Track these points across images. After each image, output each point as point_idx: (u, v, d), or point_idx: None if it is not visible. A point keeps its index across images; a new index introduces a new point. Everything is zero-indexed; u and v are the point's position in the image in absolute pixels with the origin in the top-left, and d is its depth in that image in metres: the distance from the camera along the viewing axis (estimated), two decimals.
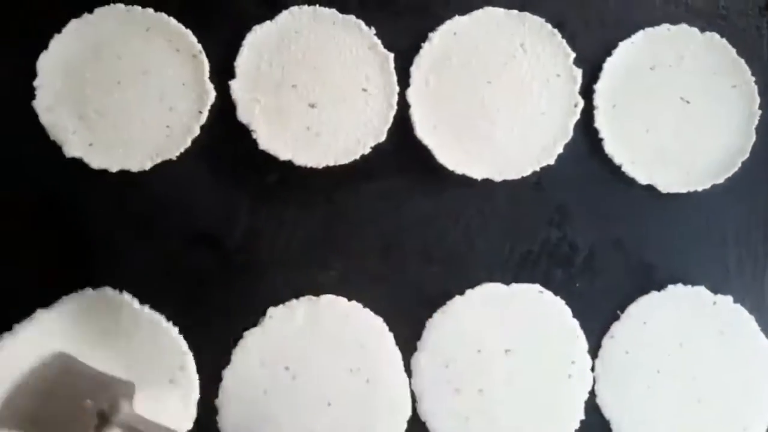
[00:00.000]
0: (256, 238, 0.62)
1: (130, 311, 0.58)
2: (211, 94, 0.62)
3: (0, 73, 0.62)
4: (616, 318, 0.63)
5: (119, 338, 0.57)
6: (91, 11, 0.63)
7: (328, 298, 0.61)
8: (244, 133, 0.63)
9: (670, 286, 0.63)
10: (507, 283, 0.63)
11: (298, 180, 0.63)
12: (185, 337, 0.59)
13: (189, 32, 0.63)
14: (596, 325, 0.63)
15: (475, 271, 0.63)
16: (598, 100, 0.65)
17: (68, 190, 0.62)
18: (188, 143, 0.62)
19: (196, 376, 0.58)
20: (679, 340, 0.62)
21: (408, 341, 0.61)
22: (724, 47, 0.66)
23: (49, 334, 0.56)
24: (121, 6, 0.63)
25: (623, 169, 0.64)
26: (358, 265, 0.63)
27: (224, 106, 0.63)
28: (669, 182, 0.64)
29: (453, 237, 0.64)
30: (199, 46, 0.63)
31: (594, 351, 0.62)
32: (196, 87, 0.62)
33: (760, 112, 0.65)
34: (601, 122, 0.65)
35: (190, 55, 0.63)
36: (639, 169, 0.64)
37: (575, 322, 0.62)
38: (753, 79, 0.66)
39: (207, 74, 0.63)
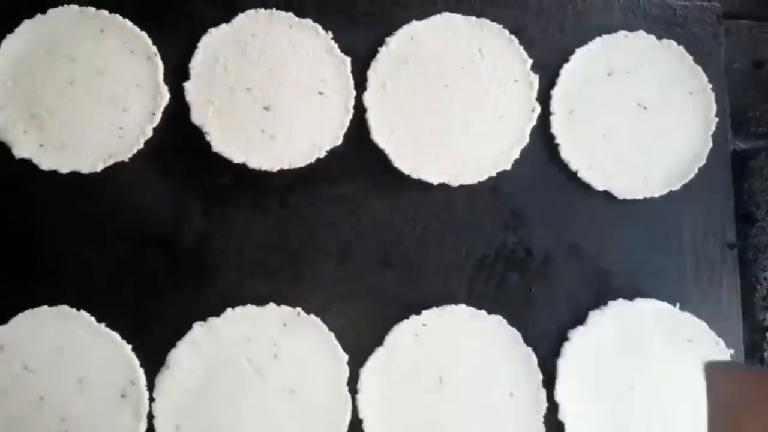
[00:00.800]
0: (209, 240, 0.62)
1: (87, 328, 0.58)
2: (165, 96, 0.62)
3: None
4: (569, 335, 0.62)
5: (74, 353, 0.57)
6: (44, 11, 0.62)
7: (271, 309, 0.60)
8: (197, 135, 0.62)
9: (621, 300, 0.63)
10: (462, 289, 0.62)
11: (252, 183, 0.62)
12: (135, 345, 0.58)
13: (144, 34, 0.63)
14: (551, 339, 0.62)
15: (431, 276, 0.63)
16: (554, 105, 0.65)
17: (17, 192, 0.61)
18: (141, 144, 0.62)
19: (146, 392, 0.57)
20: (637, 351, 0.62)
21: (359, 352, 0.60)
22: (682, 54, 0.67)
23: (4, 350, 0.57)
24: (75, 7, 0.62)
25: (579, 174, 0.64)
26: (312, 269, 0.62)
27: (178, 108, 0.62)
28: (625, 188, 0.64)
29: (409, 241, 0.63)
30: (154, 48, 0.63)
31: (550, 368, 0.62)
32: (150, 89, 0.62)
33: (716, 119, 0.66)
34: (557, 128, 0.65)
35: (145, 57, 0.62)
36: (595, 175, 0.64)
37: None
38: (710, 86, 0.66)
39: (161, 76, 0.62)
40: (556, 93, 0.65)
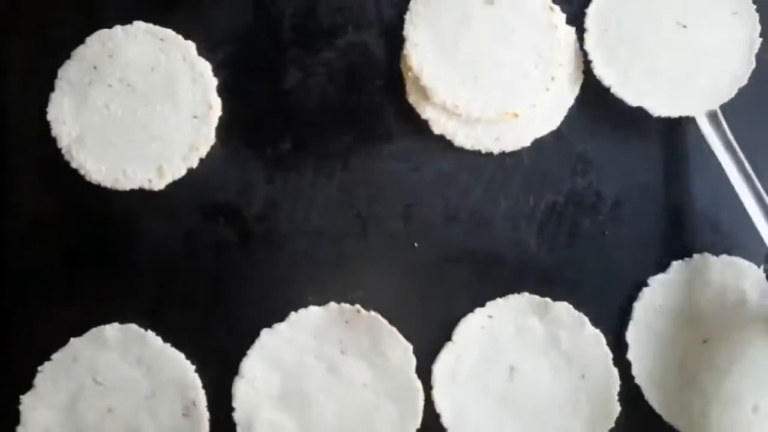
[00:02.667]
0: (275, 208, 0.61)
1: (153, 348, 0.59)
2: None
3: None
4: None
5: (141, 370, 0.58)
6: None
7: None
8: (253, 103, 0.61)
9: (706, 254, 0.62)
10: (532, 238, 0.62)
11: (312, 147, 0.62)
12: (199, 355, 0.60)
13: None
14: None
15: (500, 227, 0.62)
16: (589, 23, 0.62)
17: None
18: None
19: (207, 413, 0.58)
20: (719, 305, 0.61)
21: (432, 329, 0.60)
22: None
23: (78, 361, 0.58)
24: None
25: (612, 90, 0.62)
26: (381, 229, 0.62)
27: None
28: (661, 104, 0.61)
29: (475, 194, 0.62)
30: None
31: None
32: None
33: (761, 39, 0.62)
34: (590, 46, 0.62)
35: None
36: (629, 91, 0.61)
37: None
38: (754, 6, 0.62)
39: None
40: (591, 11, 0.62)
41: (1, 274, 0.61)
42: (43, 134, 0.61)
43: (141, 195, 0.61)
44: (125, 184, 0.60)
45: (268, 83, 0.62)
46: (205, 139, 0.60)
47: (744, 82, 0.61)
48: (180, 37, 0.61)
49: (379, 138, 0.62)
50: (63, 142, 0.60)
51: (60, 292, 0.60)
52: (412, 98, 0.62)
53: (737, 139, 0.60)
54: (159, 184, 0.60)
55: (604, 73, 0.62)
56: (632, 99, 0.61)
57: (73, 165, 0.60)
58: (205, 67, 0.61)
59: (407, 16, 0.62)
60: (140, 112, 0.60)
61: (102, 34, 0.61)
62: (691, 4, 0.62)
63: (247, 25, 0.63)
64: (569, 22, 0.62)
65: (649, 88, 0.61)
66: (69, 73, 0.61)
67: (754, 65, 0.62)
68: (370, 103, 0.63)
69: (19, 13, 0.63)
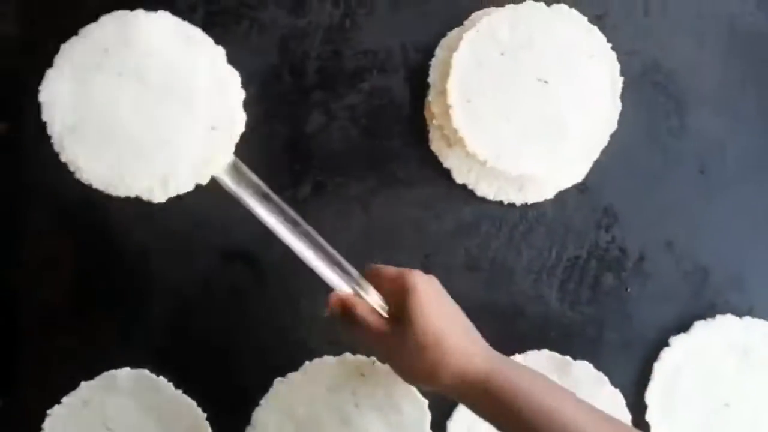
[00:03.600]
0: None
1: (165, 394, 0.58)
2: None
3: None
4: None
5: (151, 416, 0.57)
6: None
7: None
8: (275, 147, 0.61)
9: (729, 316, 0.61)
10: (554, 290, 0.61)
11: (333, 190, 0.61)
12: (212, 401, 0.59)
13: None
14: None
15: (521, 280, 0.61)
16: (451, 97, 0.58)
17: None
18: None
19: None
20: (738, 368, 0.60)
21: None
22: (576, 17, 0.60)
23: (89, 405, 0.58)
24: None
25: (489, 165, 0.58)
26: None
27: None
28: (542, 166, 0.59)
29: (496, 244, 0.61)
30: None
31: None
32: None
33: (622, 78, 0.59)
34: (458, 120, 0.58)
35: None
36: (507, 162, 0.58)
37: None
38: (609, 45, 0.59)
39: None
40: (450, 84, 0.58)
41: (13, 313, 0.60)
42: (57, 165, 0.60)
43: (157, 235, 0.60)
44: (121, 190, 0.52)
45: (290, 126, 0.62)
46: (222, 155, 0.53)
47: (614, 126, 0.60)
48: (210, 39, 0.54)
49: (400, 184, 0.62)
50: (54, 129, 0.51)
51: (71, 334, 0.59)
52: (435, 146, 0.61)
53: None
54: (160, 197, 0.52)
55: (477, 148, 0.58)
56: (512, 168, 0.58)
57: (63, 158, 0.52)
58: (234, 76, 0.55)
59: (432, 62, 0.61)
60: (150, 112, 0.52)
61: (121, 15, 0.52)
62: (546, 56, 0.59)
63: (271, 66, 0.62)
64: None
65: (524, 152, 0.58)
66: (74, 52, 0.52)
67: (620, 107, 0.60)
68: (392, 148, 0.62)
69: None
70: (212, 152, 0.53)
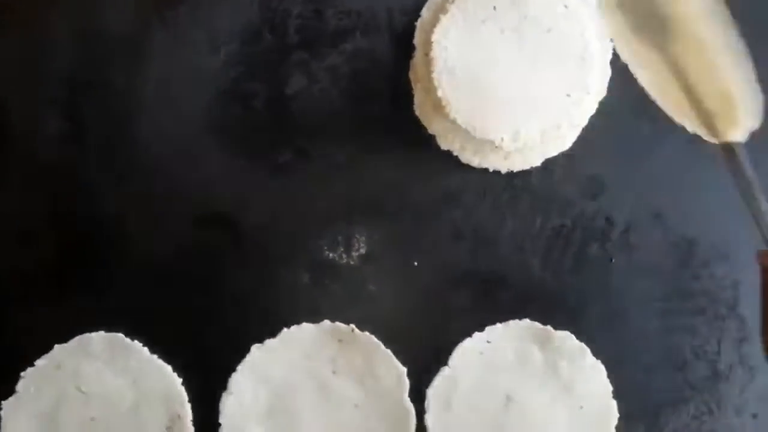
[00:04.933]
0: (272, 219, 0.59)
1: (139, 358, 0.57)
2: None
3: None
4: None
5: (126, 380, 0.57)
6: None
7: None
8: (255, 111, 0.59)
9: None
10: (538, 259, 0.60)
11: (313, 158, 0.60)
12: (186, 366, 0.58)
13: None
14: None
15: (505, 248, 0.60)
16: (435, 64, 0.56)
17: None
18: None
19: (192, 428, 0.57)
20: None
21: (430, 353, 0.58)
22: None
23: (62, 368, 0.57)
24: None
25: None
26: (381, 245, 0.60)
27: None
28: None
29: (480, 213, 0.60)
30: None
31: None
32: None
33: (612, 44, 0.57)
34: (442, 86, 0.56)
35: None
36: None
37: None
38: None
39: None
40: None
41: None
42: (32, 127, 0.59)
43: (133, 199, 0.59)
44: (478, 132, 0.56)
45: (270, 87, 0.60)
46: (573, 122, 0.57)
47: (603, 93, 0.58)
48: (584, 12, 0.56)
49: (383, 149, 0.60)
50: (437, 66, 0.56)
51: (45, 297, 0.59)
52: (419, 111, 0.60)
53: None
54: (509, 146, 0.56)
55: (459, 117, 0.56)
56: (496, 138, 0.56)
57: (438, 94, 0.56)
58: (604, 50, 0.58)
59: (418, 23, 0.59)
60: (520, 70, 0.56)
61: None
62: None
63: (251, 24, 0.60)
64: None
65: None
66: (467, 4, 0.56)
67: (609, 73, 0.58)
68: (375, 112, 0.60)
69: None
70: (563, 118, 0.56)
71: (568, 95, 0.56)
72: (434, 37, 0.56)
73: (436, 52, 0.56)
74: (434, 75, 0.56)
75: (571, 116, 0.57)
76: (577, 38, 0.57)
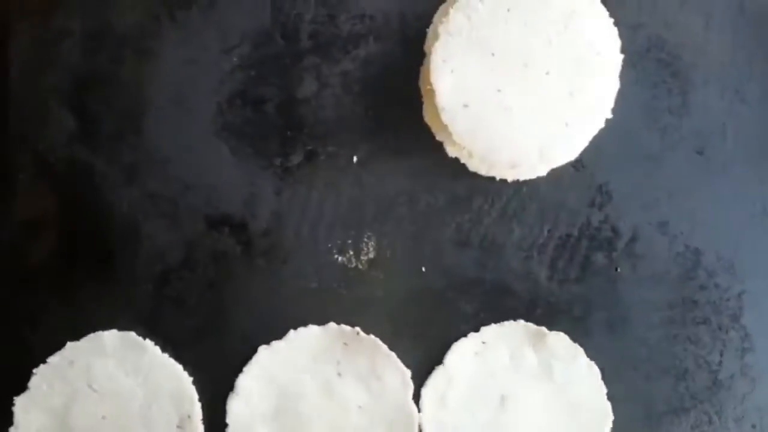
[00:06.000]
0: (281, 221, 0.60)
1: (151, 357, 0.58)
2: None
3: None
4: None
5: (137, 379, 0.58)
6: None
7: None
8: (266, 114, 0.59)
9: None
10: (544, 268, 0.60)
11: (323, 161, 0.60)
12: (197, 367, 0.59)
13: None
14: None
15: (511, 256, 0.60)
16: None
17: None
18: None
19: (202, 427, 0.58)
20: None
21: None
22: None
23: (74, 365, 0.58)
24: None
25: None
26: (389, 250, 0.60)
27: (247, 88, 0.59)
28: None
29: (488, 221, 0.60)
30: None
31: None
32: None
33: (623, 56, 0.57)
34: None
35: None
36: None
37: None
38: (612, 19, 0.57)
39: None
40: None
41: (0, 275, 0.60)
42: (44, 124, 0.60)
43: (144, 200, 0.60)
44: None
45: (281, 91, 0.60)
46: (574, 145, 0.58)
47: (611, 106, 0.57)
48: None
49: (393, 155, 0.60)
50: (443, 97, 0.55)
51: (59, 295, 0.59)
52: (428, 117, 0.60)
53: None
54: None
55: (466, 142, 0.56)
56: (504, 159, 0.56)
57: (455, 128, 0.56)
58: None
59: (429, 30, 0.59)
60: (532, 88, 0.56)
61: None
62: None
63: (263, 28, 0.60)
64: None
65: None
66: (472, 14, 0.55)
67: (618, 86, 0.57)
68: (385, 118, 0.61)
69: None
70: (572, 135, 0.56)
71: (567, 125, 0.56)
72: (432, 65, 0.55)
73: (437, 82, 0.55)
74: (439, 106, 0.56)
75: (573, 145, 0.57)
76: (585, 49, 0.56)
